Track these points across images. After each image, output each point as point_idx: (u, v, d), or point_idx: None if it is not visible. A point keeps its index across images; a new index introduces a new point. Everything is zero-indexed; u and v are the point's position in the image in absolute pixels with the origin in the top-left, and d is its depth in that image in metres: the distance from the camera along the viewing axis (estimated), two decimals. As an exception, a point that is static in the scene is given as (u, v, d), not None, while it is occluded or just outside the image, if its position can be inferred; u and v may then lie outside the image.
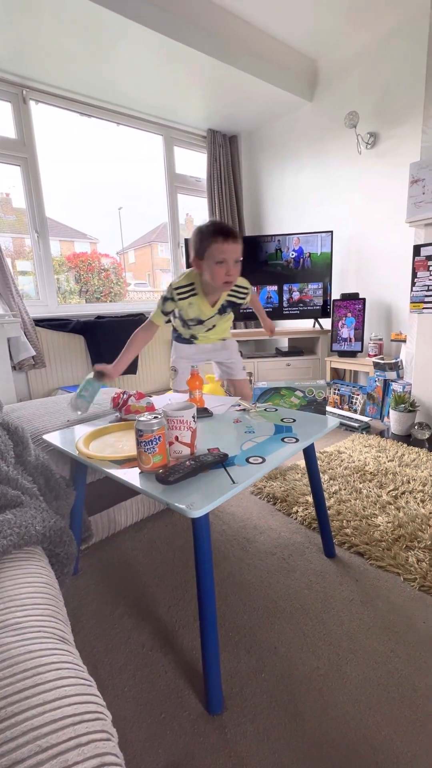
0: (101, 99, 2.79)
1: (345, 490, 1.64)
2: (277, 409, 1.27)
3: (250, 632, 1.00)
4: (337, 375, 3.01)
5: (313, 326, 3.17)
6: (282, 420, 1.17)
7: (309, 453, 1.18)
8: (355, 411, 2.69)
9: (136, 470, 0.88)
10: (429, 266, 2.07)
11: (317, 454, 2.00)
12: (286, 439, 1.02)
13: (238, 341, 3.62)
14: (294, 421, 1.16)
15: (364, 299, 2.76)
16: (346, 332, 2.86)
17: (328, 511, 1.48)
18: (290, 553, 1.30)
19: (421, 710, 0.80)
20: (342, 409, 2.77)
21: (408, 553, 1.24)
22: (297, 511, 1.51)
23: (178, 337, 1.79)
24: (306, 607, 1.08)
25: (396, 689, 0.85)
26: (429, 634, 0.98)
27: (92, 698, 0.48)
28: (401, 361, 2.46)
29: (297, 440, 1.01)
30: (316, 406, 2.48)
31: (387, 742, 0.75)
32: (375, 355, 2.69)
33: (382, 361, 2.50)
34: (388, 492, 1.61)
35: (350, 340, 2.84)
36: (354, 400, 2.71)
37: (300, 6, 2.32)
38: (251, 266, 3.05)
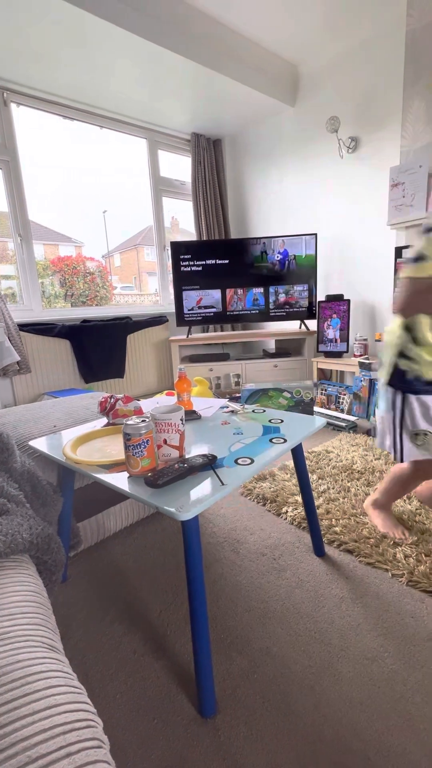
0: (84, 102, 2.78)
1: (333, 489, 1.66)
2: (265, 410, 1.28)
3: (242, 633, 1.01)
4: (324, 375, 3.05)
5: (300, 328, 3.20)
6: (270, 421, 1.18)
7: (297, 453, 1.19)
8: (342, 411, 2.73)
9: (125, 474, 0.87)
10: (410, 267, 2.12)
11: (306, 454, 2.02)
12: (274, 440, 1.02)
13: (224, 344, 3.62)
14: (282, 421, 1.17)
15: (348, 300, 2.80)
16: (331, 333, 2.90)
17: (318, 510, 1.50)
18: (281, 553, 1.30)
19: (411, 704, 0.82)
20: (329, 409, 2.80)
21: (396, 549, 1.26)
22: (287, 511, 1.52)
23: (420, 384, 1.08)
24: (297, 607, 1.08)
25: (387, 684, 0.86)
26: (418, 629, 1.00)
27: (82, 706, 0.47)
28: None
29: (285, 440, 1.02)
30: (304, 407, 2.51)
31: (378, 736, 0.76)
32: (360, 356, 2.73)
33: (367, 361, 2.54)
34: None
35: (336, 341, 2.88)
36: (341, 400, 2.75)
37: (280, 13, 2.35)
38: (237, 269, 3.07)
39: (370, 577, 1.18)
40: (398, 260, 2.17)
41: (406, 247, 2.13)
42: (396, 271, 2.20)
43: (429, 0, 1.95)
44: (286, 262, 3.04)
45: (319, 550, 1.28)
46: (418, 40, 2.02)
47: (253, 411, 1.29)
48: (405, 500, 1.54)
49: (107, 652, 0.98)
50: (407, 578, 1.15)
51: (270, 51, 2.75)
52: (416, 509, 1.47)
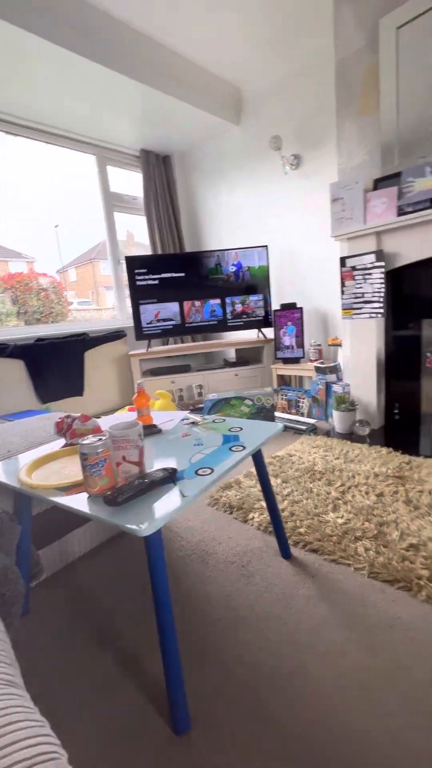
0: (26, 118, 2.74)
1: (297, 491, 1.71)
2: (225, 420, 1.30)
3: (213, 644, 1.01)
4: (284, 381, 3.14)
5: (257, 336, 3.30)
6: (230, 429, 1.21)
7: (258, 459, 1.22)
8: (302, 414, 2.82)
9: (85, 495, 0.86)
10: (354, 276, 2.26)
11: (269, 459, 2.07)
12: (233, 448, 1.05)
13: (185, 356, 3.64)
14: (241, 429, 1.20)
15: (301, 308, 2.92)
16: (287, 340, 3.01)
17: (283, 513, 1.54)
18: (249, 559, 1.32)
19: (376, 690, 0.86)
20: (290, 413, 2.88)
21: (357, 544, 1.32)
22: (253, 518, 1.54)
23: None
24: (267, 611, 1.10)
25: (352, 675, 0.90)
26: (379, 617, 1.05)
27: (44, 739, 0.46)
28: (339, 364, 2.64)
29: (244, 447, 1.05)
30: (266, 413, 2.57)
31: (347, 726, 0.79)
32: (316, 360, 2.85)
33: (322, 366, 2.65)
34: (336, 488, 1.70)
35: (292, 348, 2.99)
36: (300, 404, 2.85)
37: (221, 40, 2.47)
38: (193, 281, 3.12)
39: (334, 573, 1.23)
40: (342, 269, 2.31)
41: (350, 256, 2.27)
42: (342, 279, 2.33)
43: (351, 32, 2.13)
44: (240, 273, 3.13)
45: (285, 553, 1.32)
46: (346, 68, 2.19)
47: (213, 421, 1.31)
48: (363, 495, 1.62)
49: (76, 680, 0.94)
50: (368, 570, 1.20)
51: (213, 74, 2.86)
52: (374, 503, 1.55)
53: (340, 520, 1.46)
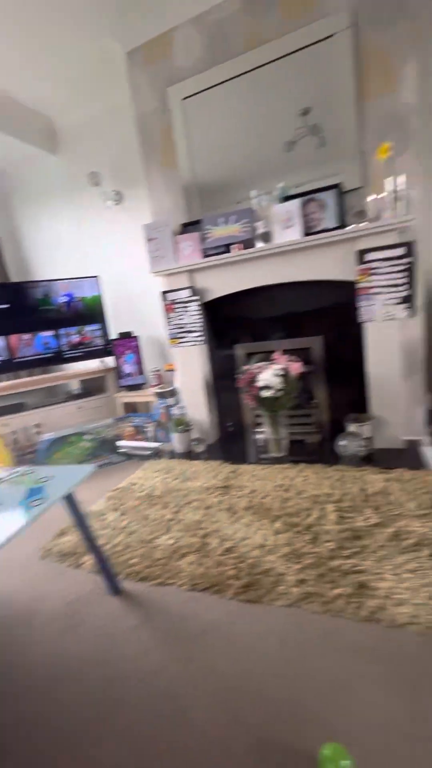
0: None
1: (134, 521, 1.75)
2: (33, 471, 1.26)
3: (20, 725, 0.95)
4: (131, 408, 3.18)
5: (99, 366, 3.26)
6: (37, 481, 1.17)
7: (69, 503, 1.22)
8: (148, 439, 2.90)
9: None
10: (175, 308, 2.48)
11: (110, 493, 2.06)
12: (34, 503, 1.03)
13: (18, 393, 3.31)
14: (50, 478, 1.18)
15: (137, 337, 3.03)
16: (128, 368, 3.07)
17: (117, 548, 1.56)
18: (77, 608, 1.29)
19: (185, 698, 0.95)
20: (138, 439, 2.93)
21: (182, 561, 1.43)
22: (85, 561, 1.51)
23: None
24: (91, 656, 1.10)
25: (167, 691, 0.97)
26: (196, 626, 1.16)
27: None
28: (175, 388, 2.82)
29: (45, 500, 1.03)
30: (109, 444, 2.56)
31: (166, 746, 0.85)
32: (156, 386, 2.98)
33: (162, 390, 2.79)
34: (171, 509, 1.81)
35: (133, 375, 3.06)
36: (146, 430, 2.93)
37: (23, 71, 2.41)
38: (19, 314, 2.90)
39: (161, 596, 1.30)
40: (165, 302, 2.51)
41: (169, 291, 2.48)
42: (165, 311, 2.52)
43: (146, 94, 2.37)
44: (72, 303, 3.06)
45: (115, 589, 1.33)
46: (146, 123, 2.42)
47: (21, 474, 1.25)
48: (194, 511, 1.77)
49: None
50: (189, 584, 1.32)
51: (18, 101, 2.76)
52: (202, 517, 1.71)
53: (170, 542, 1.55)
